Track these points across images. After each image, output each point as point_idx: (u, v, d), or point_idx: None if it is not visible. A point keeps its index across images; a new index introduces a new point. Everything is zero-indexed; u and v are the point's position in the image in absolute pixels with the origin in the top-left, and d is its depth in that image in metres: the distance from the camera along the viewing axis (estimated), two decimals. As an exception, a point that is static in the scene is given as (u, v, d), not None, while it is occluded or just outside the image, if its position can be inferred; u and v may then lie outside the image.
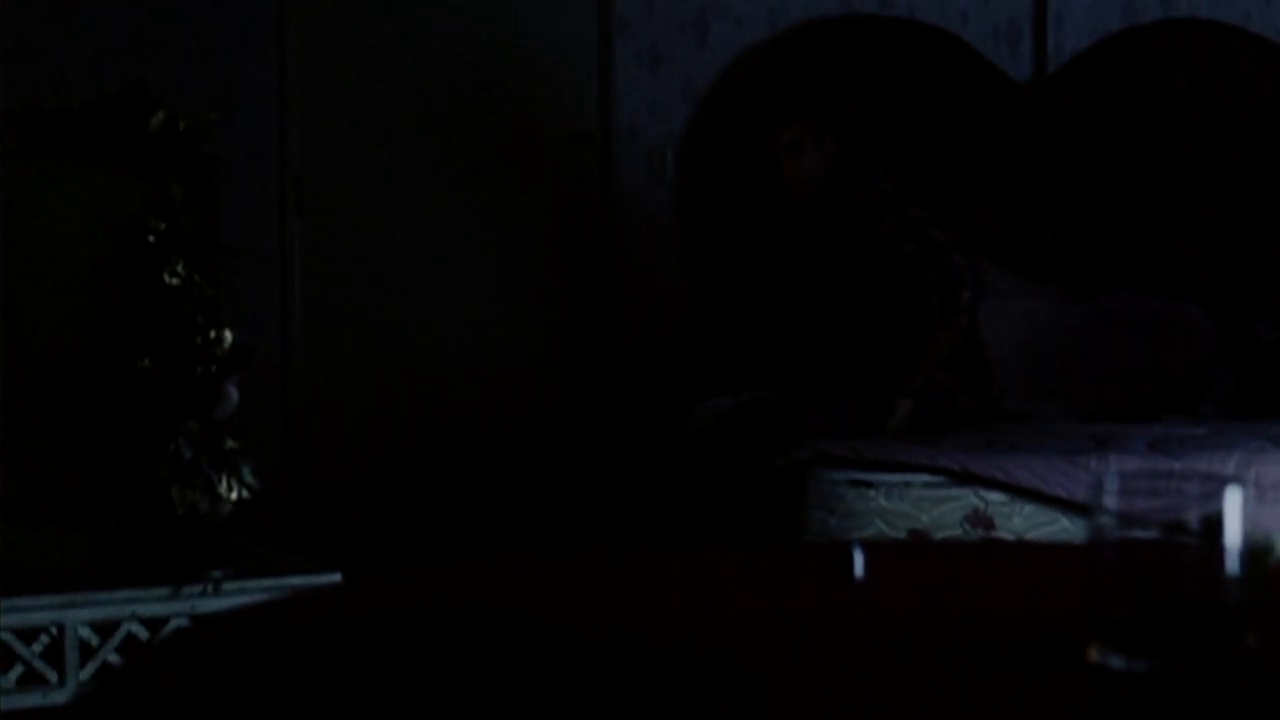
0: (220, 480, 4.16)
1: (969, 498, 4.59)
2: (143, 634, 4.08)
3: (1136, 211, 6.41)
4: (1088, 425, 5.18)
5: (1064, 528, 4.57)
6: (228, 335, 4.24)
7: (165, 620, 4.11)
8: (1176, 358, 5.87)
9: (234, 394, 4.23)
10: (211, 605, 4.08)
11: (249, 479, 4.19)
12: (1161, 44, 6.52)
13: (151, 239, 4.21)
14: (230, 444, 4.20)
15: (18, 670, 4.01)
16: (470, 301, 6.17)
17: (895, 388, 4.93)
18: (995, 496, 4.58)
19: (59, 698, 4.02)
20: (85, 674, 4.04)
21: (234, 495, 4.18)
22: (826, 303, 5.09)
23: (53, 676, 4.03)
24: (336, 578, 4.09)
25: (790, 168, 4.94)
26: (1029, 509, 4.57)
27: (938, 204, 5.29)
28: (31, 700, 4.01)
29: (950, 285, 4.93)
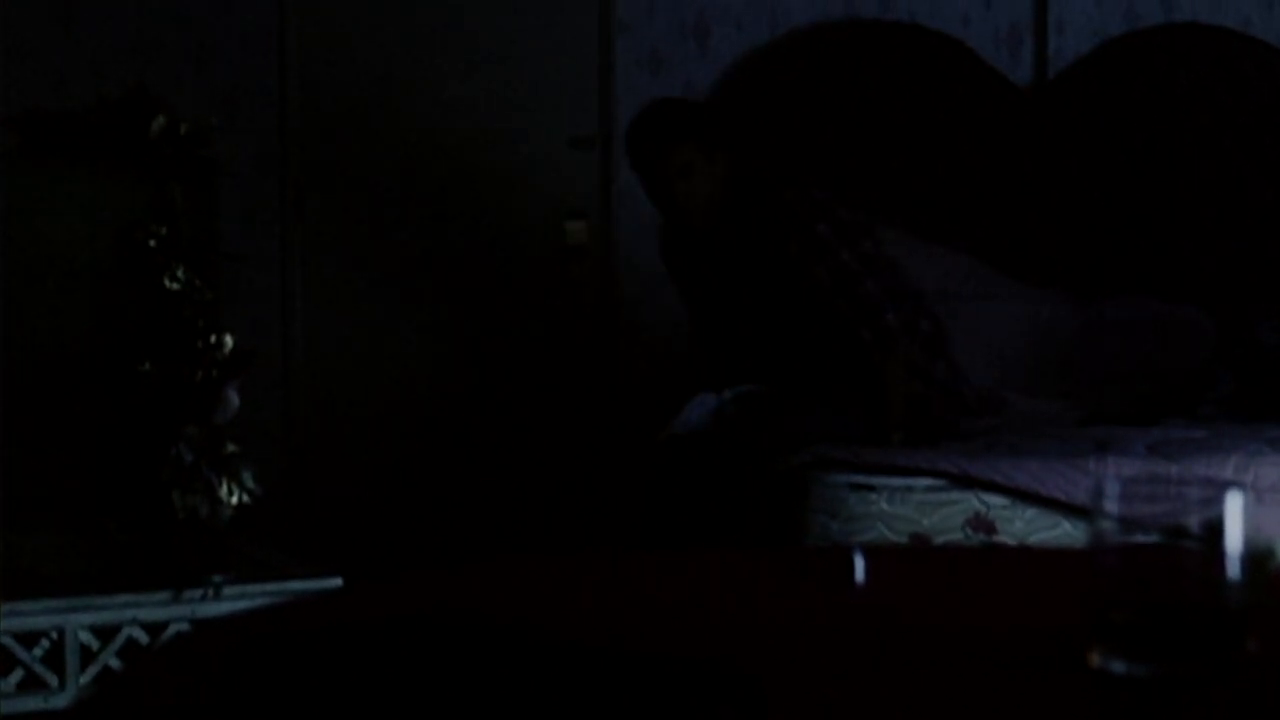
0: (221, 484, 4.16)
1: (970, 501, 4.59)
2: (143, 639, 4.08)
3: (1137, 215, 6.41)
4: (1087, 428, 5.18)
5: (1065, 531, 4.57)
6: (228, 340, 4.24)
7: (166, 625, 4.11)
8: (1177, 360, 5.87)
9: (234, 399, 4.23)
10: (212, 610, 4.08)
11: (249, 483, 4.19)
12: (1162, 48, 6.52)
13: (152, 243, 4.21)
14: (231, 448, 4.20)
15: (18, 674, 4.01)
16: (469, 304, 6.17)
17: (884, 426, 4.88)
18: (996, 500, 4.58)
19: (59, 702, 4.02)
20: (85, 678, 4.03)
21: (234, 500, 4.18)
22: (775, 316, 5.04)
23: (53, 681, 4.02)
24: (337, 582, 4.09)
25: (682, 191, 4.84)
26: (1030, 512, 4.57)
27: (885, 226, 5.26)
28: (32, 704, 4.01)
29: (877, 328, 4.88)
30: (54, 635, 4.02)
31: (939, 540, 4.55)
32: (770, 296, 4.95)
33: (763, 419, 4.99)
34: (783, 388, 5.10)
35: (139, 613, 4.08)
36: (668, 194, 4.82)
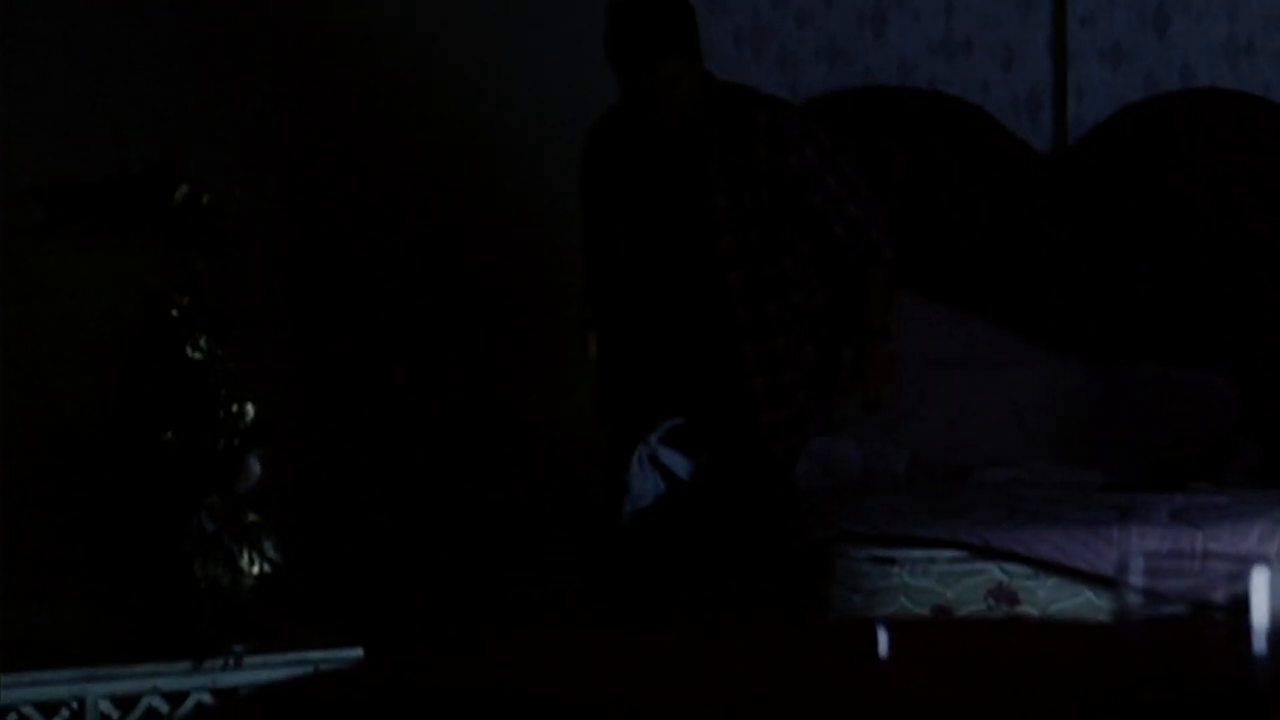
0: (242, 554, 4.16)
1: (992, 572, 4.58)
2: (164, 708, 4.07)
3: (1158, 281, 6.40)
4: (1110, 495, 5.16)
5: (1089, 600, 4.55)
6: (250, 409, 4.25)
7: (186, 695, 4.10)
8: (1199, 428, 5.86)
9: (256, 468, 4.24)
10: (233, 680, 4.07)
11: (271, 553, 4.19)
12: (1182, 114, 6.53)
13: (175, 313, 4.23)
14: (252, 518, 4.20)
15: (38, 745, 4.00)
16: (498, 374, 6.16)
17: (864, 331, 5.00)
18: (1018, 570, 4.57)
19: (80, 772, 4.01)
20: (106, 748, 4.03)
21: (256, 569, 4.18)
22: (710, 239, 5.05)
23: (74, 751, 4.02)
24: (358, 653, 4.09)
25: (667, 98, 4.94)
26: (1052, 582, 4.56)
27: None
28: (52, 775, 4.01)
29: (864, 232, 5.02)
30: (74, 705, 4.02)
31: (962, 612, 4.54)
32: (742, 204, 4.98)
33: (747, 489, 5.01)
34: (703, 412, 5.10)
35: (159, 682, 4.07)
36: (650, 99, 4.89)
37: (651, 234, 5.05)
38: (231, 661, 4.11)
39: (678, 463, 5.02)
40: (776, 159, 4.93)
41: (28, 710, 3.99)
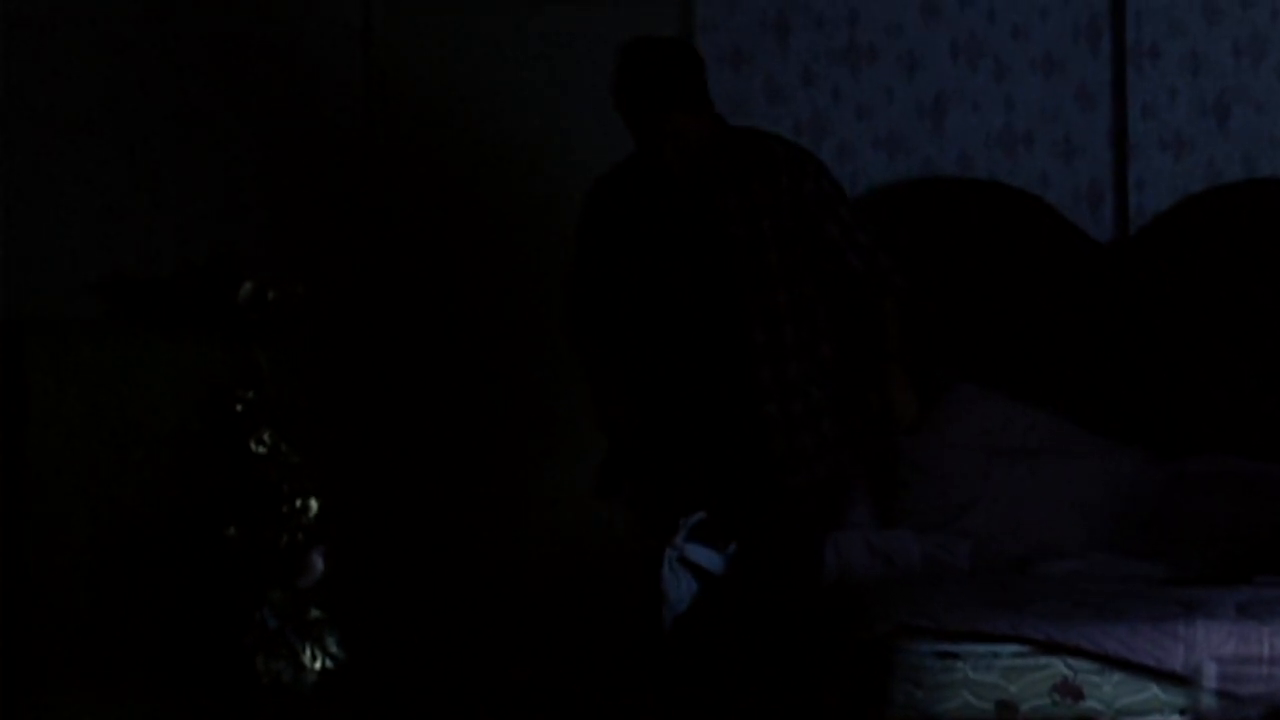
0: (304, 650, 4.17)
1: (1057, 666, 4.54)
2: (226, 803, 4.07)
3: (1220, 372, 6.37)
4: (1174, 589, 5.12)
5: (1155, 695, 4.49)
6: (313, 504, 4.26)
7: (249, 790, 4.10)
8: (1264, 518, 5.82)
9: (319, 563, 4.25)
10: (295, 775, 4.07)
11: (334, 649, 4.20)
12: (1244, 205, 6.50)
13: (238, 408, 4.25)
14: (315, 613, 4.21)
15: (101, 839, 4.01)
16: (557, 461, 6.16)
17: (884, 358, 5.02)
18: (1083, 665, 4.53)
19: None
20: (168, 844, 4.03)
21: (318, 665, 4.18)
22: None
23: (136, 846, 4.02)
24: (420, 748, 4.09)
25: (670, 149, 4.99)
26: (1118, 676, 4.52)
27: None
28: None
29: (877, 265, 5.12)
30: (137, 800, 4.02)
31: (1026, 707, 4.50)
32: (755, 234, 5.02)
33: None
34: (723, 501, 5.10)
35: (222, 778, 4.08)
36: (655, 150, 4.99)
37: (666, 275, 5.07)
38: (294, 757, 4.11)
39: (707, 558, 5.01)
40: (796, 186, 5.02)
41: (89, 805, 4.00)
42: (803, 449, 5.07)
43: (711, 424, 5.07)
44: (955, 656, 4.52)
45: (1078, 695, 4.52)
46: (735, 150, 5.05)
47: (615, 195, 5.15)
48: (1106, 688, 4.52)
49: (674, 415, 5.11)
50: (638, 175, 5.10)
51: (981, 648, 4.52)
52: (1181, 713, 4.32)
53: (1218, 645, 4.47)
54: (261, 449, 4.24)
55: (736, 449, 5.06)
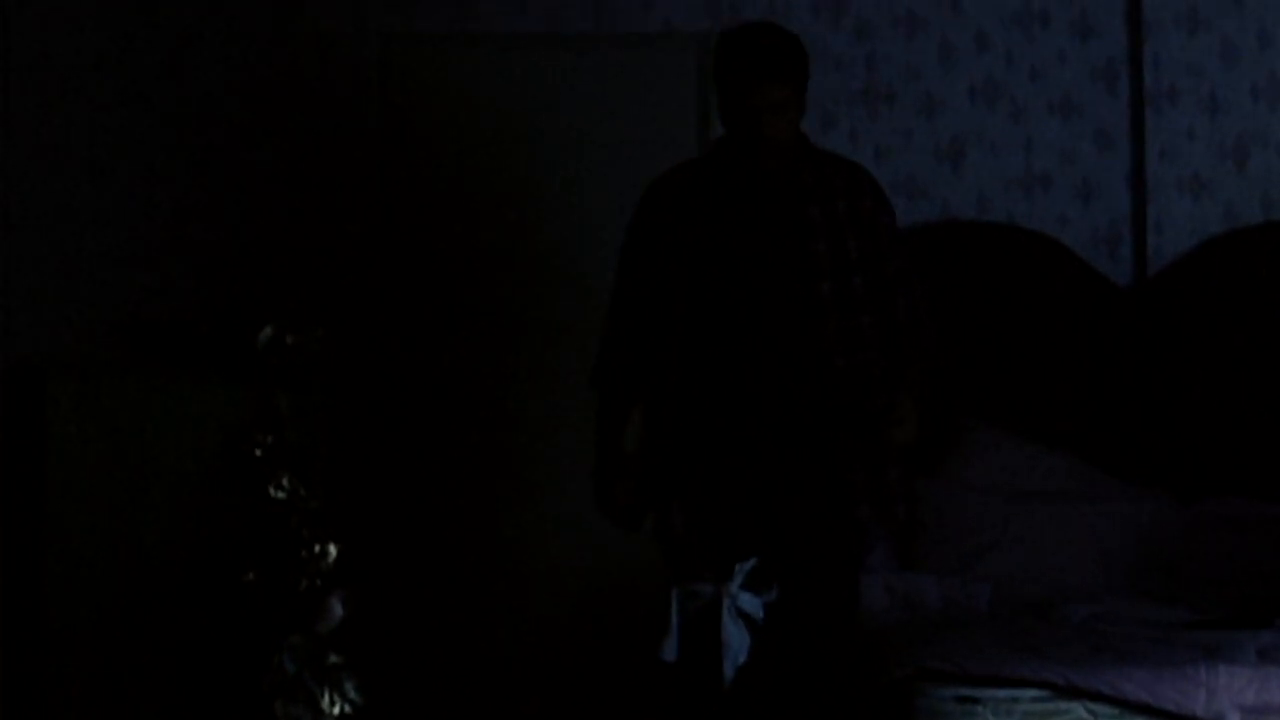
0: (323, 695, 4.16)
1: (1077, 711, 4.53)
2: None
3: (1239, 414, 6.36)
4: (1195, 632, 5.10)
5: (1174, 739, 4.50)
6: (332, 549, 4.26)
7: (267, 835, 4.09)
8: (1284, 561, 5.81)
9: (338, 608, 4.25)
10: (313, 820, 4.06)
11: (352, 694, 4.19)
12: (1264, 247, 6.50)
13: (258, 452, 4.26)
14: (334, 659, 4.21)
15: None
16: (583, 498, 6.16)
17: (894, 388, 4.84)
18: (1104, 709, 4.51)
19: None
20: None
21: (337, 710, 4.18)
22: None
23: None
24: (439, 793, 4.08)
25: (772, 126, 4.88)
26: (1139, 720, 4.51)
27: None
28: None
29: (919, 319, 4.90)
30: (156, 847, 4.02)
31: (1046, 751, 4.50)
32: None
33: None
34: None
35: (240, 823, 4.07)
36: (755, 123, 4.80)
37: (734, 281, 4.90)
38: (312, 802, 4.10)
39: (751, 604, 4.91)
40: (874, 215, 4.89)
41: None
42: (884, 484, 4.92)
43: (779, 448, 4.91)
44: (976, 701, 4.51)
45: (1098, 738, 4.51)
46: (822, 164, 4.95)
47: (685, 188, 4.92)
48: (1127, 731, 4.51)
49: (734, 437, 4.94)
50: (714, 168, 4.94)
51: (1002, 692, 4.51)
52: (1201, 758, 4.32)
53: (1239, 691, 4.47)
54: (280, 494, 4.24)
55: (805, 484, 4.92)
